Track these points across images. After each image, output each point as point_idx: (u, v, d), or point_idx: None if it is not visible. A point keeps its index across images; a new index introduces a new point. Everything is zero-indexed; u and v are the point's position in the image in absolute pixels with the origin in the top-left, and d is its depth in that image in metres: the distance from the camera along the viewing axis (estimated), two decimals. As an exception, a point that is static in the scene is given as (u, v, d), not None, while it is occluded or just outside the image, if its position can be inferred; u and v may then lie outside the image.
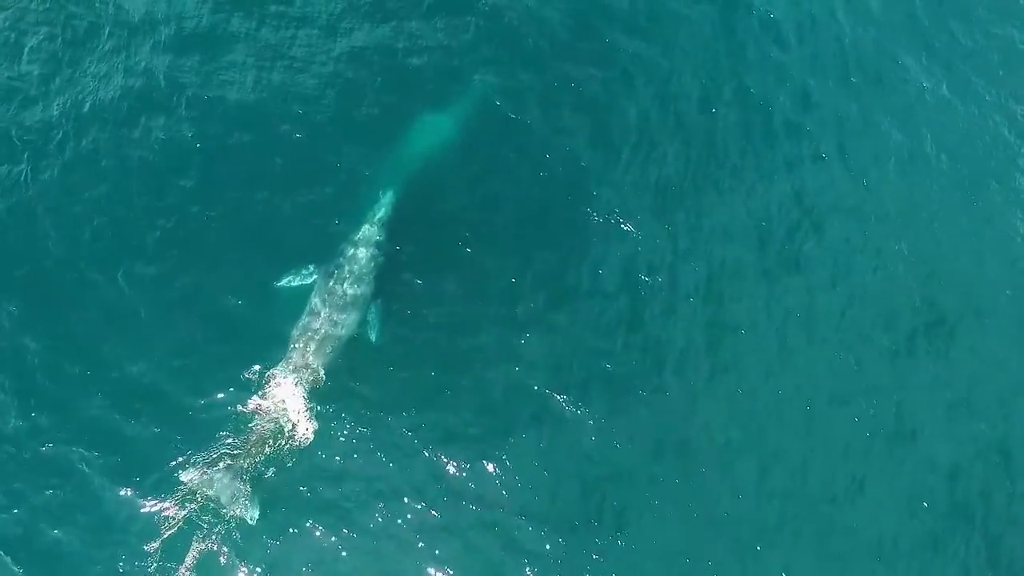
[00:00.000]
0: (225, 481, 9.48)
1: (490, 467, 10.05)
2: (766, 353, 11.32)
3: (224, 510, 9.41)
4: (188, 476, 9.47)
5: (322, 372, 10.12)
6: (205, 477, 9.47)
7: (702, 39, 13.37)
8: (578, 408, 10.48)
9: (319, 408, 10.01)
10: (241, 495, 9.46)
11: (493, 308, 11.01)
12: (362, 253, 10.77)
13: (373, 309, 10.67)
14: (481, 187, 11.84)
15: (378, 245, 10.88)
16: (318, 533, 9.55)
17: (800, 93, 13.24)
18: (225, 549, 9.34)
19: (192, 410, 9.93)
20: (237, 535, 9.39)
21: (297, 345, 10.21)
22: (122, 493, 9.50)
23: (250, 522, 9.43)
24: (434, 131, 11.93)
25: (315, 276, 10.71)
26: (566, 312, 11.14)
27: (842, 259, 12.11)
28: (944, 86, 13.82)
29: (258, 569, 9.35)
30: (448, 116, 12.08)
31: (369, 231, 10.96)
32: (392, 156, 11.69)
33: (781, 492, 10.48)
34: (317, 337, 10.26)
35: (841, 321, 11.66)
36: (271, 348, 10.27)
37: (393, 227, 11.14)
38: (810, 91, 13.28)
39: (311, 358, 10.13)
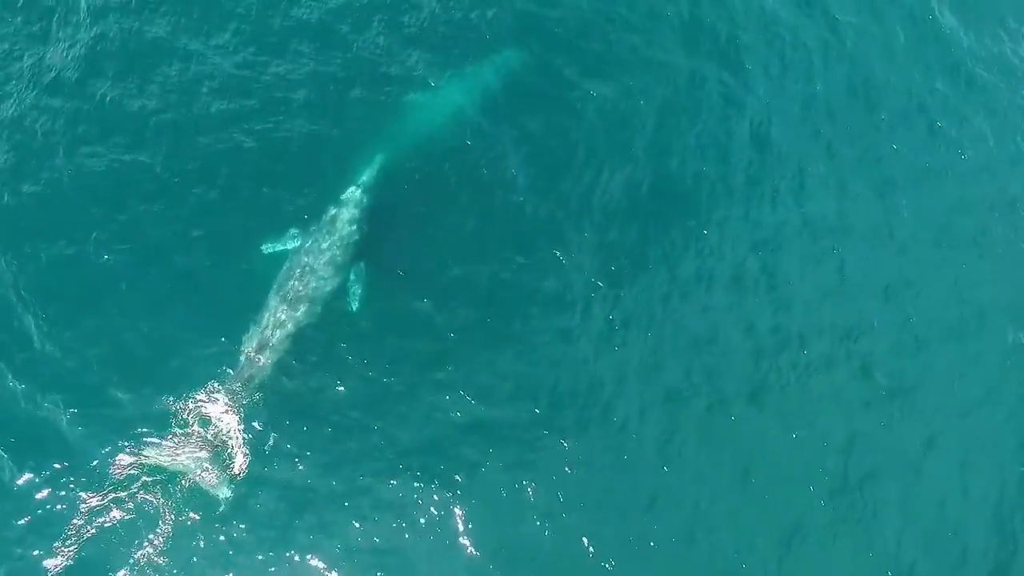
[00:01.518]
0: (193, 455, 8.91)
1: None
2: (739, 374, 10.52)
3: (192, 486, 8.86)
4: (153, 451, 8.92)
5: (295, 338, 9.56)
6: (171, 451, 8.91)
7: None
8: (550, 431, 9.78)
9: (288, 380, 9.50)
10: (210, 471, 8.91)
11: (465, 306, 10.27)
12: (345, 215, 10.15)
13: (354, 275, 10.03)
14: (478, 175, 11.01)
15: (363, 209, 10.26)
16: (284, 511, 9.02)
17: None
18: (192, 528, 8.81)
19: (158, 379, 9.35)
20: (205, 514, 8.85)
21: (271, 310, 9.62)
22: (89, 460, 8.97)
23: (220, 500, 8.89)
24: (441, 104, 11.29)
25: (298, 240, 10.10)
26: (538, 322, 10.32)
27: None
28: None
29: (227, 548, 8.80)
30: (455, 90, 11.40)
31: (355, 194, 10.32)
32: (389, 128, 11.03)
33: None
34: (293, 301, 9.66)
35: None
36: (245, 313, 9.68)
37: (381, 193, 10.50)
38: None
39: (286, 323, 9.54)
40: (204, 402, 9.19)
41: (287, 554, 8.88)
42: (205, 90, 11.04)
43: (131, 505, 8.75)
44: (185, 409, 9.16)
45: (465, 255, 10.48)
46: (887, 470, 10.29)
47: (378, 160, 10.60)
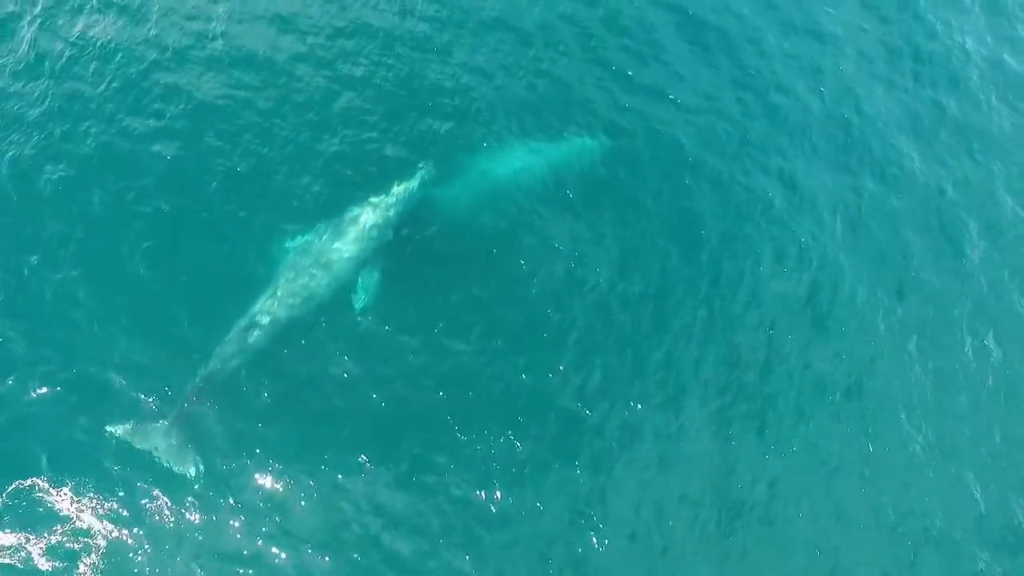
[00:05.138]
0: (165, 435, 8.79)
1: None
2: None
3: (164, 465, 8.71)
4: (121, 428, 8.79)
5: (287, 328, 9.45)
6: (141, 429, 8.79)
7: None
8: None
9: (274, 367, 9.35)
10: (184, 450, 8.76)
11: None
12: (370, 218, 10.04)
13: (364, 275, 9.88)
14: (523, 235, 10.68)
15: (387, 218, 10.16)
16: (259, 491, 8.81)
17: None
18: (163, 508, 8.62)
19: (139, 358, 9.25)
20: (175, 492, 8.67)
21: (269, 297, 9.52)
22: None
23: (189, 477, 8.71)
24: (504, 162, 11.09)
25: (319, 234, 10.00)
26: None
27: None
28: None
29: (199, 531, 8.59)
30: (524, 156, 11.17)
31: (384, 201, 10.23)
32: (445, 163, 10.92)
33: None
34: (294, 292, 9.55)
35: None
36: (250, 297, 9.60)
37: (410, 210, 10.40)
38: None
39: (279, 313, 9.44)
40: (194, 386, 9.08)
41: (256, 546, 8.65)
42: (300, 99, 11.23)
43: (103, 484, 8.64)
44: (169, 390, 9.08)
45: (475, 294, 10.21)
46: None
47: (419, 176, 10.50)
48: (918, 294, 11.47)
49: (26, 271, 9.63)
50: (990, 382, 11.01)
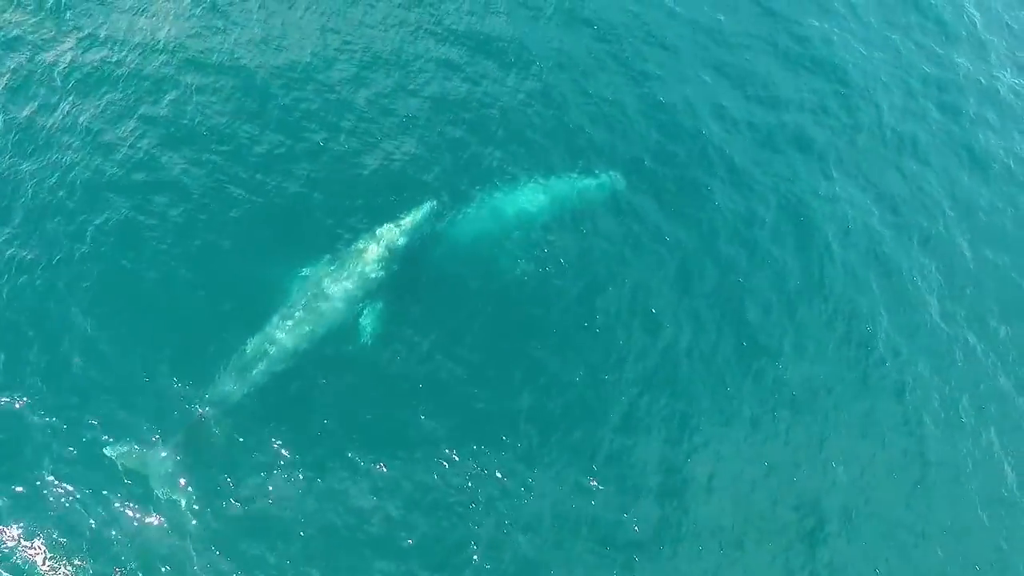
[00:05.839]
0: (161, 462, 8.81)
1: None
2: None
3: (157, 491, 8.71)
4: (118, 451, 8.81)
5: (291, 356, 9.46)
6: (136, 453, 8.82)
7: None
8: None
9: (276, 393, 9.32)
10: (177, 478, 8.77)
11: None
12: (375, 252, 10.07)
13: (369, 308, 9.88)
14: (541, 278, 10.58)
15: (393, 250, 10.17)
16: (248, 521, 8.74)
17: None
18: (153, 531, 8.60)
19: (143, 385, 9.28)
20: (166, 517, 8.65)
21: (274, 326, 9.55)
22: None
23: (181, 506, 8.67)
24: (523, 196, 11.06)
25: (326, 265, 10.03)
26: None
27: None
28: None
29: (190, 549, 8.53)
30: (543, 191, 11.16)
31: (391, 231, 10.26)
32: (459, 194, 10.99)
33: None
34: (298, 321, 9.57)
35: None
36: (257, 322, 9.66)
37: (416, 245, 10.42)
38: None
39: (285, 341, 9.45)
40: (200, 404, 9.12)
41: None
42: (347, 121, 11.46)
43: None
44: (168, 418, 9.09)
45: (481, 323, 10.16)
46: None
47: (425, 209, 10.50)
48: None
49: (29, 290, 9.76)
50: None
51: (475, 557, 8.78)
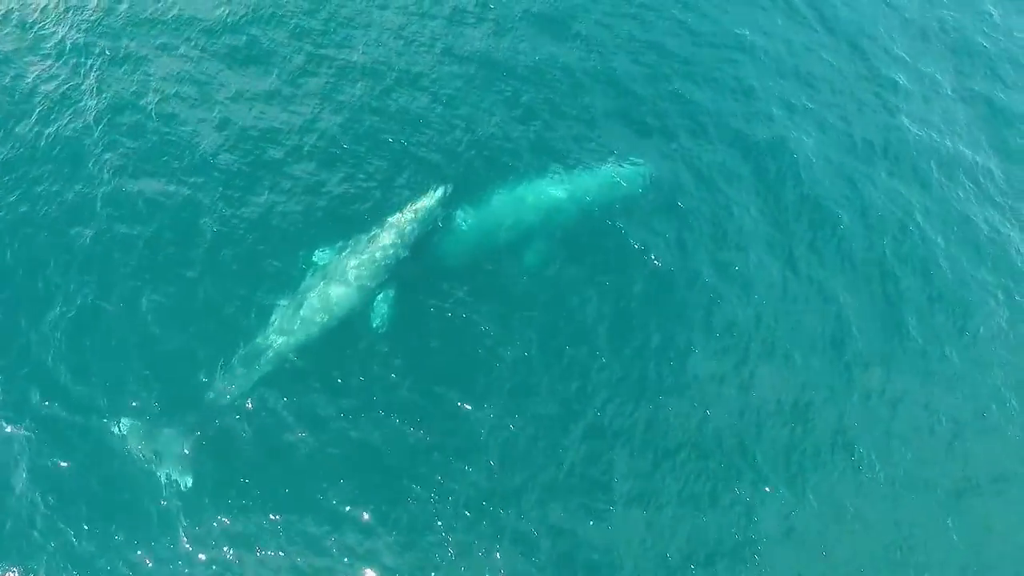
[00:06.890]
0: (171, 439, 8.85)
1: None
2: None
3: (161, 469, 8.73)
4: (129, 426, 8.85)
5: (303, 344, 9.39)
6: (150, 431, 8.85)
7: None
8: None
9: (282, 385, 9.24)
10: (182, 457, 8.78)
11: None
12: (387, 238, 9.95)
13: (383, 295, 9.77)
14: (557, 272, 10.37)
15: (405, 237, 10.05)
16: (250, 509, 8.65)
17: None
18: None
19: (157, 365, 9.33)
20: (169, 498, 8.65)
21: (284, 314, 9.50)
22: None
23: (182, 487, 8.67)
24: (543, 187, 10.91)
25: (341, 252, 9.95)
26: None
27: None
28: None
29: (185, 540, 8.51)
30: (566, 183, 10.98)
31: (402, 218, 10.14)
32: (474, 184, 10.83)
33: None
34: (310, 308, 9.51)
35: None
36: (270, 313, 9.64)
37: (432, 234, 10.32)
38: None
39: (295, 330, 9.38)
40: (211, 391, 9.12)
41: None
42: (321, 121, 11.43)
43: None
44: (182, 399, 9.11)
45: (491, 312, 9.95)
46: None
47: (438, 197, 10.33)
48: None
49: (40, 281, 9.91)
50: None
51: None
